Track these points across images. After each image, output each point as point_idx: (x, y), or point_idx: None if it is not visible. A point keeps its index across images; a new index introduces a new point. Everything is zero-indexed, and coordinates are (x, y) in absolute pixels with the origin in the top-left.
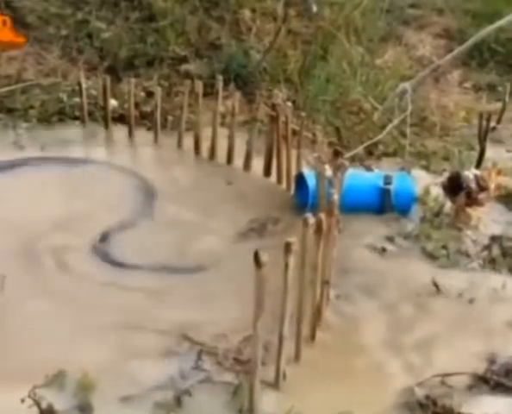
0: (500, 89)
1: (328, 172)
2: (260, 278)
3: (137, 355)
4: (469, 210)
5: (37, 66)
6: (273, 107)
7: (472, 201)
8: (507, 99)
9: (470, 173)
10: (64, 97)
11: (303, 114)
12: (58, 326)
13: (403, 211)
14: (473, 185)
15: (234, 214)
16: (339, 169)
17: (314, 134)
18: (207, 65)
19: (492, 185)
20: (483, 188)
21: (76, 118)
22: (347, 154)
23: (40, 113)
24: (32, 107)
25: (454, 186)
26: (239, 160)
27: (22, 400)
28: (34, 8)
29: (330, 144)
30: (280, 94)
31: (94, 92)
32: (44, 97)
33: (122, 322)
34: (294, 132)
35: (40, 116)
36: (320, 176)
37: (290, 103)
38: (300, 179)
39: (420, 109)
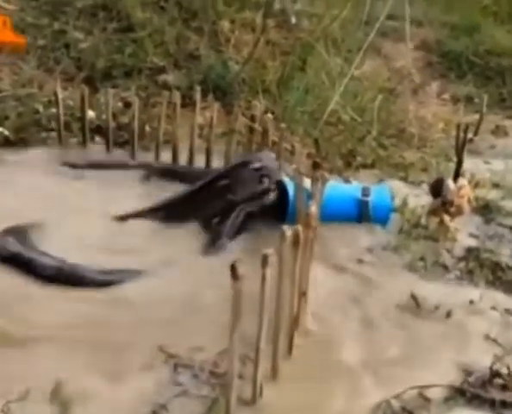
0: (477, 101)
1: (307, 183)
2: (237, 290)
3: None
4: (447, 221)
5: (13, 77)
6: (252, 118)
7: (445, 210)
8: (484, 111)
9: (452, 185)
10: (40, 107)
11: (283, 125)
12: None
13: (381, 223)
14: (449, 197)
15: None
16: (318, 181)
17: (292, 146)
18: (185, 76)
19: (462, 200)
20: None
21: (52, 129)
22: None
23: (16, 124)
24: (7, 118)
25: (436, 190)
26: None
27: None
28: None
29: (308, 155)
30: (259, 105)
31: (71, 103)
32: (20, 107)
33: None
34: (273, 143)
35: (15, 126)
36: (298, 187)
37: (270, 115)
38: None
39: (398, 121)
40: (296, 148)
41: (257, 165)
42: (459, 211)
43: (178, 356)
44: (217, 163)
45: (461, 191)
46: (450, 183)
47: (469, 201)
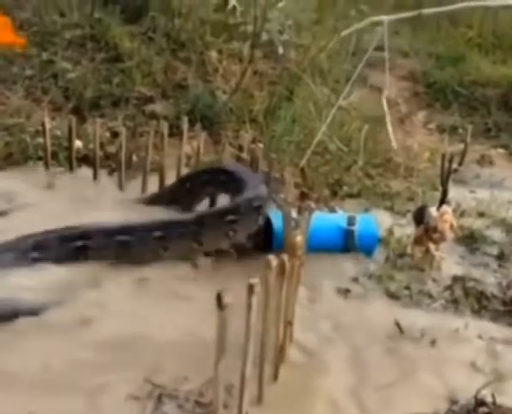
0: (461, 131)
1: (294, 213)
2: (222, 319)
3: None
4: (432, 250)
5: (0, 106)
6: (240, 148)
7: (429, 237)
8: (468, 140)
9: (435, 211)
10: (27, 137)
11: (272, 155)
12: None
13: (367, 252)
14: (431, 223)
15: None
16: (305, 211)
17: (282, 175)
18: (173, 106)
19: (445, 225)
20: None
21: (39, 159)
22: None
23: (3, 153)
24: None
25: (419, 218)
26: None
27: None
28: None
29: (296, 185)
30: (246, 135)
31: (58, 133)
32: (7, 137)
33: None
34: None
35: (2, 155)
36: (286, 217)
37: (260, 145)
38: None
39: (385, 150)
40: (285, 178)
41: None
42: (442, 237)
43: (163, 386)
44: None
45: (444, 216)
46: (432, 209)
47: (451, 227)
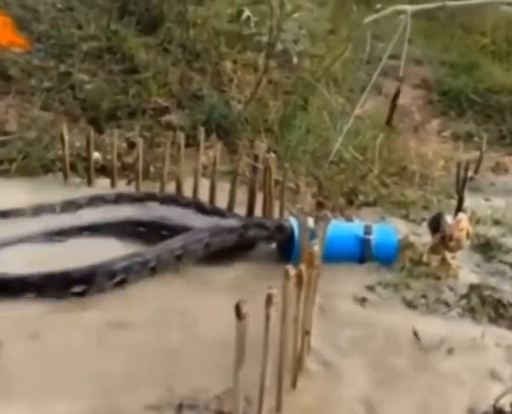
0: (476, 139)
1: (311, 223)
2: (241, 329)
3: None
4: (448, 259)
5: (19, 119)
6: (255, 158)
7: (445, 246)
8: (484, 148)
9: (450, 219)
10: (45, 149)
11: (287, 165)
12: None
13: (386, 262)
14: (447, 231)
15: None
16: (322, 220)
17: (297, 185)
18: (189, 116)
19: (462, 233)
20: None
21: (59, 169)
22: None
23: (21, 165)
24: (14, 160)
25: (434, 226)
26: None
27: None
28: (17, 60)
29: (312, 194)
30: (262, 145)
31: (77, 144)
32: (26, 149)
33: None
34: (276, 183)
35: (21, 168)
36: (302, 227)
37: (273, 155)
38: None
39: (399, 159)
40: (300, 188)
41: None
42: (459, 245)
43: (183, 395)
44: (221, 200)
45: (460, 224)
46: (448, 217)
47: (468, 235)
